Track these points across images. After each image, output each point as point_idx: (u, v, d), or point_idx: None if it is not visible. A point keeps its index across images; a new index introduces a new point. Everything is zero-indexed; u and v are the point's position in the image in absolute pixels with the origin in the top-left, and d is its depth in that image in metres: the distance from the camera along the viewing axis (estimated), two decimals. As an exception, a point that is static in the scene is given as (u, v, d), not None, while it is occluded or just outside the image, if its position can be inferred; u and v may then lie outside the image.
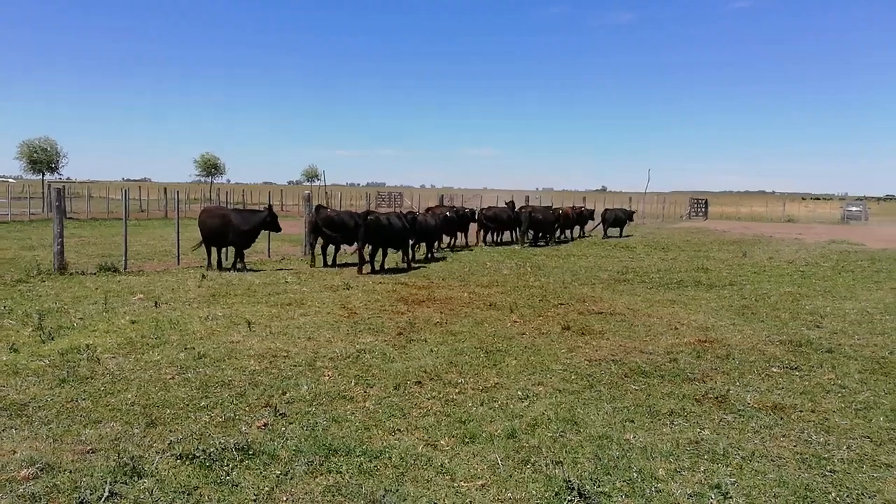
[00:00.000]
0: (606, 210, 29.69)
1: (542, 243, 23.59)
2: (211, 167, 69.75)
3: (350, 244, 16.03)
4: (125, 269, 13.92)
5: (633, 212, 32.88)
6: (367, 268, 14.43)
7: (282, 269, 14.59)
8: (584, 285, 13.34)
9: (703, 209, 56.38)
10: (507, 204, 25.07)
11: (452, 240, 21.66)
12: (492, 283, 13.40)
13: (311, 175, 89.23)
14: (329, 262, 15.63)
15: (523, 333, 8.70)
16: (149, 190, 53.53)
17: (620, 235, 29.44)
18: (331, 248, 15.88)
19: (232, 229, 14.16)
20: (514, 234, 24.58)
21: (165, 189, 41.71)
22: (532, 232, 23.63)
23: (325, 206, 16.95)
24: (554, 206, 27.16)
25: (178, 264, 15.10)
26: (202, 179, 71.62)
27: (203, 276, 12.93)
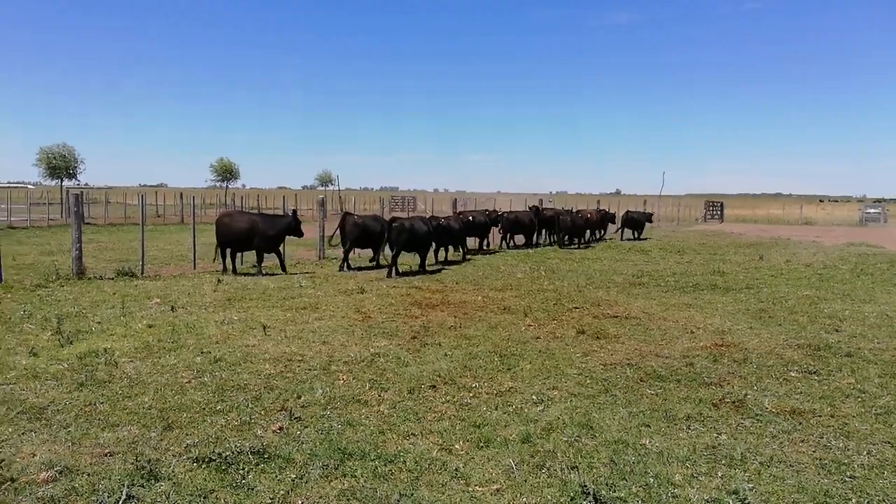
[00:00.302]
0: (628, 211, 29.62)
1: (555, 246, 23.51)
2: (227, 172, 70.50)
3: (375, 248, 16.26)
4: (142, 273, 14.07)
5: (652, 213, 33.26)
6: (393, 271, 14.55)
7: (296, 274, 14.66)
8: (598, 289, 13.27)
9: (719, 212, 56.03)
10: (530, 208, 25.02)
11: (481, 243, 21.84)
12: (506, 286, 13.37)
13: (326, 180, 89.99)
14: (344, 267, 15.71)
15: (538, 337, 8.67)
16: (165, 195, 54.08)
17: (639, 237, 29.31)
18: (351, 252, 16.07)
19: (258, 234, 14.40)
20: (533, 239, 24.54)
21: (182, 194, 42.21)
22: (566, 235, 23.76)
23: (351, 212, 17.21)
24: (574, 210, 27.15)
25: (195, 269, 15.23)
26: (218, 184, 72.39)
27: (219, 280, 13.03)
